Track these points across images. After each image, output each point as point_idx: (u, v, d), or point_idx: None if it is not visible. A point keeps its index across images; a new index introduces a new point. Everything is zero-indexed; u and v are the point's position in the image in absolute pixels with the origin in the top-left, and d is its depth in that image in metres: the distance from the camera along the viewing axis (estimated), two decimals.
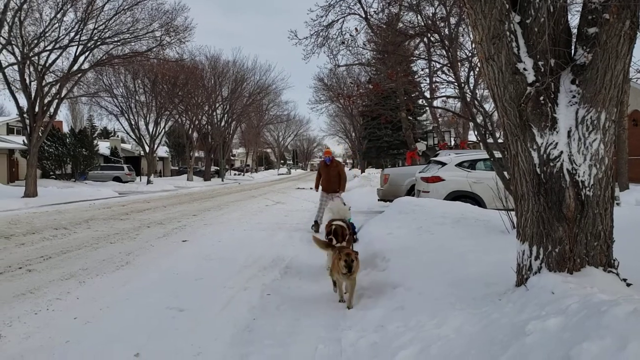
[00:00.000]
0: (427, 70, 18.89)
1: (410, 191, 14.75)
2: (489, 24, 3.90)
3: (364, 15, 18.17)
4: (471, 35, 9.68)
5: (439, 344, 3.56)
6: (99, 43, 23.09)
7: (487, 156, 9.38)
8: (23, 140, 27.55)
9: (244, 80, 50.03)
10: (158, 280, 6.61)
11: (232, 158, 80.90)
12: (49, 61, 22.13)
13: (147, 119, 41.12)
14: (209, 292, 5.91)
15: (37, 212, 15.88)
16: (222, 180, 50.18)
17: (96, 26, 22.46)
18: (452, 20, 13.03)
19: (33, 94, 21.44)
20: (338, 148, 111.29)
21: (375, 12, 16.68)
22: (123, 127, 43.47)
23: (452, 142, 28.59)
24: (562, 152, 3.76)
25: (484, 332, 3.46)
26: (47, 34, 21.60)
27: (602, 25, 3.60)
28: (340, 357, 3.90)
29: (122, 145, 53.15)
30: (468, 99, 9.92)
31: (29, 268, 7.28)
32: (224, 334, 4.46)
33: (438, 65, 14.60)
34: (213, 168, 53.41)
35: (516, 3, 3.83)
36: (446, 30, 12.50)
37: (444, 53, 11.94)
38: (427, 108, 36.30)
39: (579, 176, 3.75)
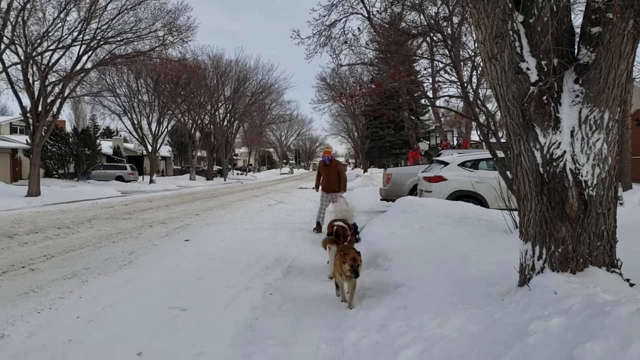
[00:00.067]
0: (429, 70, 18.90)
1: (413, 191, 14.73)
2: (492, 23, 3.89)
3: (366, 15, 18.10)
4: (474, 35, 9.68)
5: (441, 343, 3.56)
6: (101, 43, 23.15)
7: (489, 156, 9.37)
8: (26, 140, 27.67)
9: (246, 79, 50.12)
10: (160, 279, 6.61)
11: (234, 157, 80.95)
12: (52, 61, 22.24)
13: (150, 118, 41.21)
14: (212, 292, 5.92)
15: (40, 211, 15.92)
16: (225, 180, 50.24)
17: (99, 26, 22.54)
18: (455, 20, 13.01)
19: (36, 94, 21.49)
20: (340, 148, 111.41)
21: (377, 11, 16.63)
22: (126, 127, 43.55)
23: (455, 142, 28.55)
24: (565, 151, 3.75)
25: (487, 332, 3.46)
26: (50, 34, 21.66)
27: (605, 25, 3.59)
28: (343, 357, 3.90)
29: (125, 144, 53.18)
30: (471, 99, 9.90)
31: (32, 267, 7.30)
32: (226, 333, 4.46)
33: (441, 65, 14.59)
34: (215, 167, 53.46)
35: (519, 2, 3.82)
36: (449, 29, 12.47)
37: (447, 52, 11.91)
38: (430, 107, 36.28)
39: (582, 176, 3.74)
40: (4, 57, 20.56)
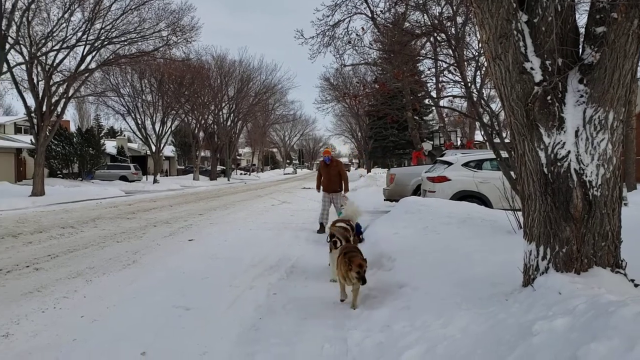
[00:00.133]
0: (433, 70, 18.87)
1: (416, 191, 14.72)
2: (496, 23, 3.89)
3: (370, 15, 18.10)
4: (478, 35, 9.67)
5: (445, 343, 3.56)
6: (106, 43, 23.21)
7: (493, 156, 9.36)
8: (30, 140, 27.75)
9: (250, 79, 50.17)
10: (164, 279, 6.62)
11: (238, 157, 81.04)
12: (57, 61, 22.30)
13: (154, 118, 41.27)
14: (215, 291, 5.92)
15: (44, 211, 15.97)
16: (228, 180, 50.31)
17: (103, 26, 22.59)
18: (459, 20, 12.98)
19: (40, 94, 21.57)
20: (344, 148, 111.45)
21: (381, 11, 16.62)
22: (130, 127, 43.73)
23: (459, 142, 28.53)
24: (569, 151, 3.75)
25: (491, 332, 3.45)
26: (54, 34, 21.75)
27: (610, 25, 3.58)
28: (346, 356, 3.90)
29: (129, 144, 53.37)
30: (475, 99, 9.89)
31: (37, 266, 7.32)
32: (230, 332, 4.47)
33: (444, 65, 14.59)
34: (219, 167, 53.54)
35: (523, 2, 3.81)
36: (453, 29, 12.45)
37: (451, 52, 11.90)
38: (434, 108, 36.22)
39: (586, 176, 3.73)
40: (9, 57, 20.65)
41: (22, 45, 21.15)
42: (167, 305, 5.30)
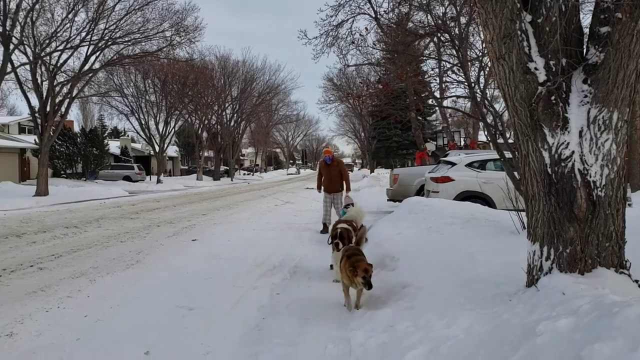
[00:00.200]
0: (437, 70, 18.86)
1: (420, 191, 14.71)
2: (500, 23, 3.88)
3: (373, 15, 18.10)
4: (481, 35, 9.64)
5: (448, 344, 3.55)
6: (109, 43, 23.28)
7: (497, 156, 9.33)
8: (34, 140, 27.85)
9: (253, 80, 50.17)
10: (168, 279, 6.64)
11: (241, 158, 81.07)
12: (61, 61, 22.42)
13: (157, 118, 41.35)
14: (219, 291, 5.93)
15: (48, 210, 16.02)
16: (232, 180, 50.35)
17: (107, 26, 22.69)
18: (463, 20, 12.99)
19: (44, 94, 21.65)
20: (347, 148, 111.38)
21: (385, 11, 16.63)
22: (133, 127, 43.73)
23: (462, 142, 28.47)
24: (573, 152, 3.74)
25: (494, 333, 3.45)
26: (58, 34, 21.83)
27: (614, 25, 3.57)
28: (350, 356, 3.90)
29: (132, 144, 53.42)
30: (478, 99, 9.87)
31: (40, 266, 7.34)
32: (234, 332, 4.47)
33: (448, 65, 14.56)
34: (222, 168, 53.57)
35: (527, 2, 3.81)
36: (456, 29, 12.45)
37: (454, 53, 11.89)
38: (437, 108, 36.21)
39: (590, 176, 3.72)
40: (13, 57, 20.71)
41: (26, 46, 21.24)
42: (171, 305, 5.31)
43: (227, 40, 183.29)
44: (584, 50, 3.84)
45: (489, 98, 12.36)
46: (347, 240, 6.42)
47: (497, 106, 18.57)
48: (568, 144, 3.74)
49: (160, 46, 25.13)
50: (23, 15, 20.29)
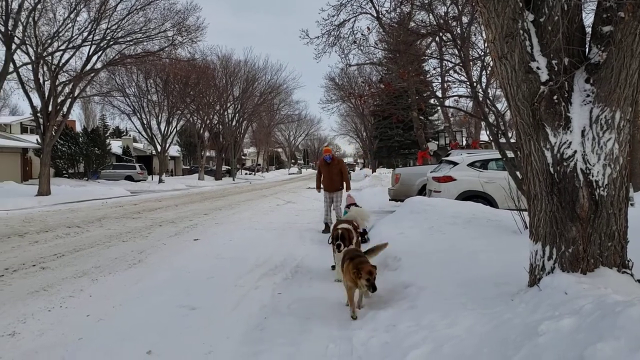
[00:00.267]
0: (439, 70, 18.87)
1: (422, 191, 14.69)
2: (502, 22, 3.88)
3: (375, 15, 18.07)
4: (484, 34, 9.63)
5: (450, 343, 3.55)
6: (111, 43, 23.32)
7: (499, 156, 9.33)
8: (36, 139, 27.88)
9: (255, 79, 50.21)
10: (170, 278, 6.64)
11: (243, 157, 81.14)
12: (62, 61, 22.47)
13: (159, 118, 41.36)
14: (221, 291, 5.93)
15: (50, 210, 16.04)
16: (233, 180, 50.37)
17: (109, 26, 22.71)
18: (465, 19, 12.96)
19: (46, 94, 21.69)
20: (349, 147, 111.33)
21: (387, 11, 16.61)
22: (135, 127, 43.75)
23: (464, 142, 28.46)
24: (575, 151, 3.73)
25: (496, 332, 3.45)
26: (60, 34, 21.89)
27: (617, 24, 3.56)
28: (352, 356, 3.90)
29: (134, 144, 53.45)
30: (480, 99, 9.87)
31: (43, 266, 7.35)
32: (236, 332, 4.47)
33: (450, 65, 14.56)
34: (224, 167, 53.61)
35: (530, 1, 3.80)
36: (458, 29, 12.43)
37: (456, 52, 11.88)
38: (439, 107, 36.19)
39: (592, 176, 3.72)
40: (15, 57, 20.77)
41: (28, 46, 21.28)
42: (173, 305, 5.31)
43: (229, 40, 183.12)
44: (587, 50, 3.84)
45: (490, 98, 12.36)
46: (348, 241, 6.36)
47: (499, 106, 18.59)
48: (570, 143, 3.74)
49: (162, 46, 25.20)
50: (25, 15, 20.33)
